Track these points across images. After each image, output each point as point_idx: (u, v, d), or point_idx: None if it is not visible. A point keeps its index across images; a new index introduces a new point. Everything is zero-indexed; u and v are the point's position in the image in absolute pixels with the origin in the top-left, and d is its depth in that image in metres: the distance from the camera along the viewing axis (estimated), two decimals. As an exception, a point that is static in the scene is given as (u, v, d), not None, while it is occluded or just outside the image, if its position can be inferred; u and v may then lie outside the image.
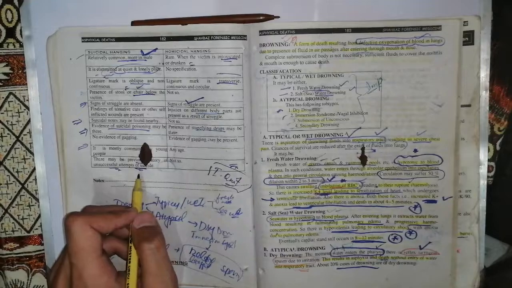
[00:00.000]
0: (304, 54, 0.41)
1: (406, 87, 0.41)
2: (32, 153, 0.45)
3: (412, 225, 0.43)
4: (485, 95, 0.42)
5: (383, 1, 0.41)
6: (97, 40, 0.43)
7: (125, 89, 0.43)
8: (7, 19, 0.43)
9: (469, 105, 0.42)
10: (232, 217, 0.44)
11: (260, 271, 0.45)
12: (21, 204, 0.46)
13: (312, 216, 0.44)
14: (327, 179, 0.43)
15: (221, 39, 0.41)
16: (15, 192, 0.46)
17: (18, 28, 0.43)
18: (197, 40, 0.42)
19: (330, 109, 0.42)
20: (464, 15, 0.41)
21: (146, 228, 0.41)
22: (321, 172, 0.43)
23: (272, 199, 0.43)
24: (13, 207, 0.46)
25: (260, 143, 0.43)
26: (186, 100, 0.43)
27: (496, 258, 0.45)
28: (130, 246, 0.40)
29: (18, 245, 0.46)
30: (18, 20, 0.43)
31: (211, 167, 0.43)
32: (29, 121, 0.45)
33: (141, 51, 0.43)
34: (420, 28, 0.41)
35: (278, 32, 0.41)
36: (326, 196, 0.43)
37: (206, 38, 0.42)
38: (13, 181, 0.45)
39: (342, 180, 0.43)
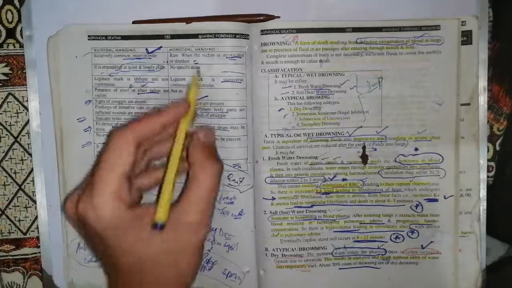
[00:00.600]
0: (305, 53, 0.42)
1: (406, 86, 0.42)
2: (30, 154, 0.45)
3: (414, 224, 0.43)
4: (483, 94, 0.42)
5: (383, 1, 0.42)
6: (103, 38, 0.43)
7: (130, 87, 0.43)
8: (7, 19, 0.43)
9: (468, 104, 0.42)
10: (235, 218, 0.43)
11: (261, 271, 0.44)
12: (18, 206, 0.45)
13: (313, 216, 0.43)
14: (329, 178, 0.43)
15: (226, 37, 0.42)
16: (12, 193, 0.45)
17: (18, 29, 0.43)
18: (202, 38, 0.42)
19: (331, 108, 0.42)
20: (462, 15, 0.41)
21: (210, 146, 0.36)
22: (322, 171, 0.43)
23: (273, 198, 0.43)
24: (10, 208, 0.45)
25: (262, 142, 0.42)
26: None
27: (496, 258, 0.45)
28: (184, 156, 0.35)
29: (14, 247, 0.45)
30: (19, 21, 0.43)
31: (213, 167, 0.43)
32: (27, 121, 0.44)
33: (146, 49, 0.43)
34: (419, 28, 0.41)
35: (280, 31, 0.41)
36: (327, 195, 0.43)
37: (211, 36, 0.42)
38: (11, 182, 0.45)
39: (344, 179, 0.43)
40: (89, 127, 0.44)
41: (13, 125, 0.44)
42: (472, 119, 0.42)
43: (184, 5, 0.42)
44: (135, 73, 0.43)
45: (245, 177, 0.43)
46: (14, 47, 0.44)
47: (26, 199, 0.45)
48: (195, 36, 0.42)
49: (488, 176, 0.44)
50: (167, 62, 0.43)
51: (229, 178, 0.43)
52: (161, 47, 0.42)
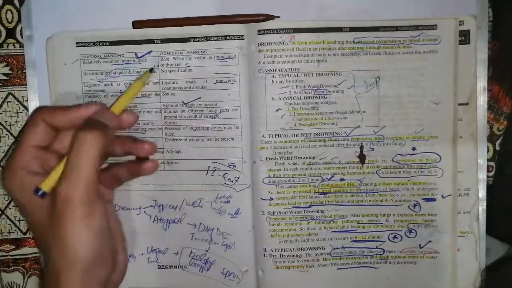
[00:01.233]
0: (302, 53, 0.42)
1: (403, 86, 0.42)
2: (30, 154, 0.45)
3: (412, 223, 0.43)
4: (482, 94, 0.42)
5: (380, 1, 0.42)
6: (91, 44, 0.43)
7: (120, 92, 0.43)
8: (7, 19, 0.44)
9: (466, 104, 0.42)
10: (231, 217, 0.43)
11: (259, 272, 0.44)
12: (18, 206, 0.45)
13: (311, 216, 0.43)
14: (326, 178, 0.43)
15: (217, 40, 0.42)
16: (12, 193, 0.45)
17: (18, 29, 0.44)
18: (193, 41, 0.42)
19: (329, 107, 0.42)
20: (460, 14, 0.41)
21: (99, 122, 0.37)
22: (320, 171, 0.43)
23: (271, 199, 0.43)
24: (9, 208, 0.45)
25: (259, 142, 0.43)
26: (182, 101, 0.43)
27: (496, 258, 0.45)
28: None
29: (14, 247, 0.46)
30: (19, 21, 0.44)
31: (209, 167, 0.43)
32: (27, 121, 0.45)
33: (135, 54, 0.43)
34: (416, 28, 0.41)
35: (276, 31, 0.41)
36: (325, 195, 0.43)
37: (202, 39, 0.42)
38: (11, 182, 0.45)
39: (341, 179, 0.43)
40: None
41: (13, 125, 0.45)
42: (470, 119, 0.42)
43: (183, 6, 0.42)
44: (125, 78, 0.43)
45: (241, 176, 0.43)
46: (14, 47, 0.44)
47: (26, 199, 0.45)
48: (186, 40, 0.42)
49: (488, 176, 0.44)
50: (158, 66, 0.43)
51: (224, 178, 0.43)
52: (151, 51, 0.43)
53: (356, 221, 0.43)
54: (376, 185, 0.43)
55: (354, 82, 0.42)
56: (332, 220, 0.44)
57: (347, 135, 0.42)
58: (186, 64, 0.43)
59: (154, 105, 0.43)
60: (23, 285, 0.46)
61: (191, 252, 0.45)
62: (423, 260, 0.43)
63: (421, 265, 0.43)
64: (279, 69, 0.42)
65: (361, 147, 0.43)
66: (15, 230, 0.46)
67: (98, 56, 0.43)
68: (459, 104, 0.42)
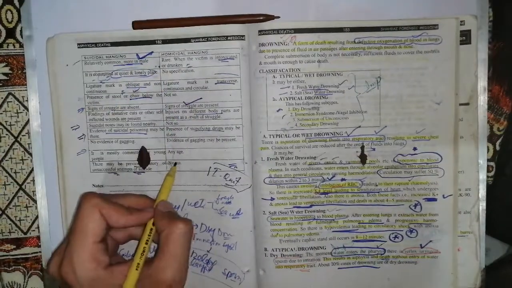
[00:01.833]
0: (303, 54, 0.42)
1: (404, 86, 0.42)
2: (30, 154, 0.45)
3: (413, 223, 0.43)
4: (483, 94, 0.42)
5: (381, 0, 0.42)
6: (92, 45, 0.43)
7: (122, 93, 0.43)
8: (7, 19, 0.44)
9: (467, 104, 0.42)
10: (233, 218, 0.43)
11: (260, 271, 0.44)
12: (19, 206, 0.45)
13: (312, 216, 0.43)
14: (327, 178, 0.43)
15: (218, 40, 0.42)
16: (12, 193, 0.45)
17: (18, 29, 0.44)
18: (194, 42, 0.42)
19: (330, 108, 0.42)
20: (461, 14, 0.41)
21: (172, 213, 0.41)
22: (321, 171, 0.43)
23: (272, 199, 0.43)
24: (10, 208, 0.45)
25: (260, 143, 0.43)
26: (184, 102, 0.43)
27: (496, 258, 0.45)
28: (151, 228, 0.40)
29: (14, 246, 0.46)
30: (18, 21, 0.44)
31: (210, 167, 0.43)
32: (28, 121, 0.45)
33: (137, 54, 0.43)
34: (417, 27, 0.41)
35: (277, 31, 0.41)
36: (326, 195, 0.43)
37: (203, 39, 0.42)
38: (11, 182, 0.45)
39: (342, 179, 0.43)
40: (83, 134, 0.44)
41: (13, 125, 0.45)
42: (471, 119, 0.42)
43: (183, 6, 0.42)
44: (126, 79, 0.43)
45: (242, 177, 0.43)
46: (14, 47, 0.44)
47: (27, 199, 0.45)
48: (187, 40, 0.42)
49: (488, 176, 0.44)
50: (159, 66, 0.43)
51: (225, 178, 0.43)
52: (152, 52, 0.43)
53: (357, 221, 0.43)
54: (377, 185, 0.43)
55: (355, 82, 0.42)
56: (333, 220, 0.44)
57: (348, 135, 0.42)
58: (187, 65, 0.43)
59: (156, 106, 0.43)
60: (23, 285, 0.46)
61: (193, 252, 0.45)
62: (424, 260, 0.43)
63: (422, 265, 0.43)
64: (280, 70, 0.42)
65: (362, 147, 0.43)
66: (15, 230, 0.46)
67: (99, 57, 0.43)
68: (460, 104, 0.42)
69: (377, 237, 0.44)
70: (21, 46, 0.44)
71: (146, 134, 0.44)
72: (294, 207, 0.43)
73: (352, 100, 0.42)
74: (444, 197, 0.42)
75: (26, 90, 0.44)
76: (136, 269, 0.37)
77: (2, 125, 0.45)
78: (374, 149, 0.42)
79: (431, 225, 0.43)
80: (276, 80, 0.42)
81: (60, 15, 0.43)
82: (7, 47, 0.44)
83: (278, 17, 0.42)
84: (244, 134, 0.43)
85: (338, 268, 0.44)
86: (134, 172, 0.44)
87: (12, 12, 0.44)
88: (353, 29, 0.41)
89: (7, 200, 0.45)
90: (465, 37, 0.42)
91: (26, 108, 0.44)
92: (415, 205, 0.43)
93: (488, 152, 0.44)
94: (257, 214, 0.43)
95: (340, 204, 0.43)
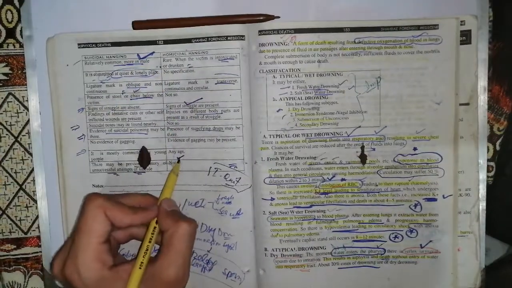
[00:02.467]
0: (303, 54, 0.42)
1: (404, 86, 0.42)
2: (30, 154, 0.45)
3: (413, 223, 0.43)
4: (483, 94, 0.42)
5: (381, 1, 0.42)
6: (93, 45, 0.43)
7: (122, 93, 0.43)
8: (7, 19, 0.44)
9: (467, 104, 0.42)
10: (233, 218, 0.43)
11: (260, 271, 0.44)
12: (19, 205, 0.45)
13: (312, 216, 0.43)
14: (327, 178, 0.43)
15: (218, 40, 0.42)
16: (13, 193, 0.45)
17: (18, 29, 0.44)
18: (195, 42, 0.42)
19: (330, 108, 0.42)
20: (461, 14, 0.41)
21: (176, 212, 0.41)
22: (321, 171, 0.43)
23: (272, 199, 0.43)
24: (10, 208, 0.45)
25: (260, 143, 0.43)
26: (184, 102, 0.43)
27: (496, 258, 0.45)
28: (155, 227, 0.40)
29: (15, 246, 0.46)
30: (18, 21, 0.44)
31: (210, 167, 0.43)
32: (28, 121, 0.45)
33: (138, 55, 0.43)
34: (418, 27, 0.41)
35: (277, 31, 0.41)
36: (326, 195, 0.43)
37: (204, 40, 0.42)
38: (11, 182, 0.45)
39: (342, 179, 0.43)
40: (83, 134, 0.44)
41: (14, 125, 0.45)
42: (471, 119, 0.42)
43: (183, 6, 0.42)
44: (127, 79, 0.43)
45: (242, 177, 0.43)
46: (14, 47, 0.44)
47: (27, 199, 0.45)
48: (188, 40, 0.42)
49: (488, 176, 0.44)
50: (160, 67, 0.43)
51: (225, 178, 0.43)
52: (153, 52, 0.43)
53: (357, 221, 0.43)
54: (377, 185, 0.43)
55: (355, 82, 0.42)
56: (333, 220, 0.44)
57: (348, 135, 0.42)
58: (188, 65, 0.43)
59: (157, 106, 0.43)
60: (24, 285, 0.46)
61: (193, 252, 0.45)
62: (424, 260, 0.43)
63: (422, 265, 0.43)
64: (280, 70, 0.42)
65: (362, 147, 0.43)
66: (16, 230, 0.46)
67: (100, 57, 0.43)
68: (460, 104, 0.42)
69: (377, 237, 0.44)
70: (21, 46, 0.44)
71: (146, 134, 0.44)
72: (294, 207, 0.43)
73: (352, 100, 0.42)
74: (444, 197, 0.42)
75: (26, 90, 0.44)
76: (140, 268, 0.37)
77: (2, 125, 0.45)
78: (374, 149, 0.42)
79: (431, 225, 0.43)
80: (276, 80, 0.42)
81: (60, 15, 0.43)
82: (7, 47, 0.44)
83: (278, 17, 0.42)
84: (244, 134, 0.43)
85: (338, 268, 0.44)
86: (134, 172, 0.44)
87: (12, 12, 0.44)
88: (353, 29, 0.41)
89: (8, 200, 0.45)
90: (465, 37, 0.42)
91: (26, 108, 0.44)
92: (415, 205, 0.43)
93: (488, 152, 0.44)
94: (257, 214, 0.43)
95: (340, 204, 0.43)
